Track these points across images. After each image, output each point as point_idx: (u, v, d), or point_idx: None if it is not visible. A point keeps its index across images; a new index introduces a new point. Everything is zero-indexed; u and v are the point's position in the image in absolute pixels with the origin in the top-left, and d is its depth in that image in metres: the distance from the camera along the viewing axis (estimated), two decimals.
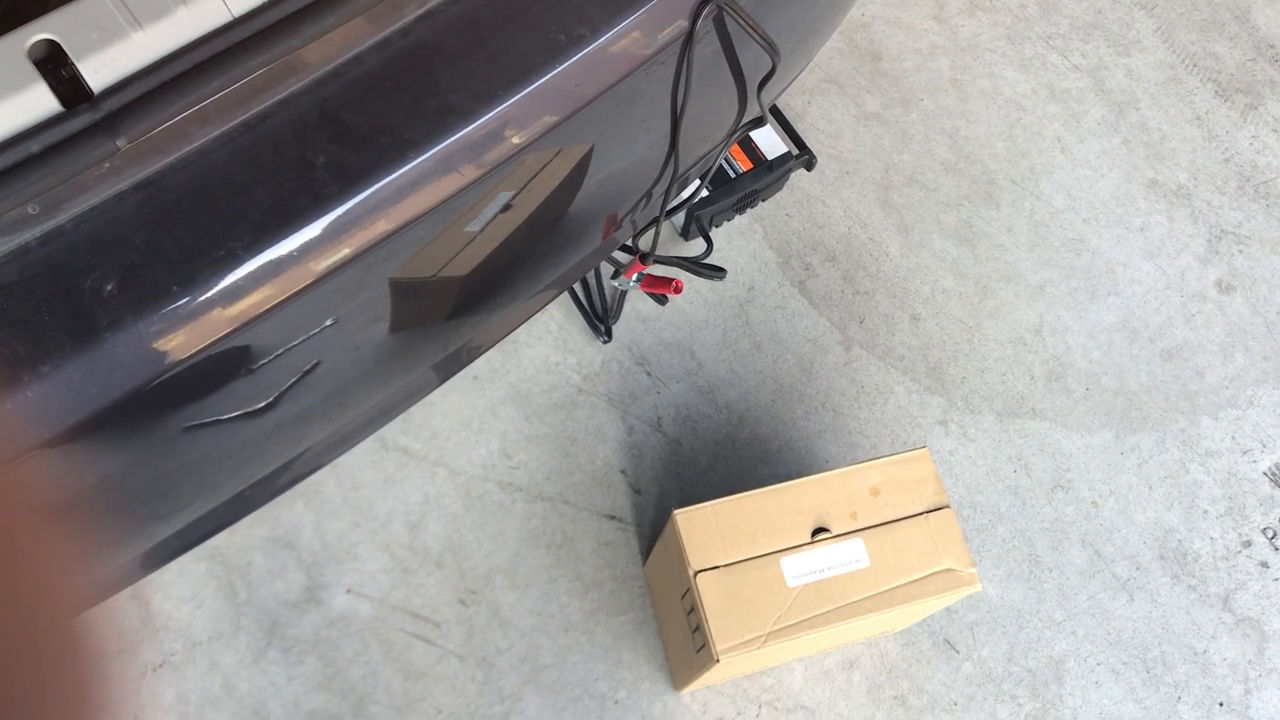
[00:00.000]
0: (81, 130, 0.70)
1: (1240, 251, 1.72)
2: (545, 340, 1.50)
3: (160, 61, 0.74)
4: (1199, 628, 1.46)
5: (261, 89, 0.78)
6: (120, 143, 0.71)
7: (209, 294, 0.76)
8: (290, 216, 0.78)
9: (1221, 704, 1.42)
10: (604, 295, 1.50)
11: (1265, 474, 1.57)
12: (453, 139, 0.84)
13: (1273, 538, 1.52)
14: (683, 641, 1.23)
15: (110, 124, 0.71)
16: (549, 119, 0.89)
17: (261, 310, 0.80)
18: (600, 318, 1.50)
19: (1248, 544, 1.52)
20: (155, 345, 0.75)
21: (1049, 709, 1.39)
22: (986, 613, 1.43)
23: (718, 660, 1.10)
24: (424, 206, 0.85)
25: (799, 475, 1.19)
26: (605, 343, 1.51)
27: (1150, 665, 1.43)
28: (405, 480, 1.40)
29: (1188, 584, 1.48)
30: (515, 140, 0.89)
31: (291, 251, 0.78)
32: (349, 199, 0.80)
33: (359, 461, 1.40)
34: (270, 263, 0.78)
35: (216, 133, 0.77)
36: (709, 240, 1.51)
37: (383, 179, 0.81)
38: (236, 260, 0.76)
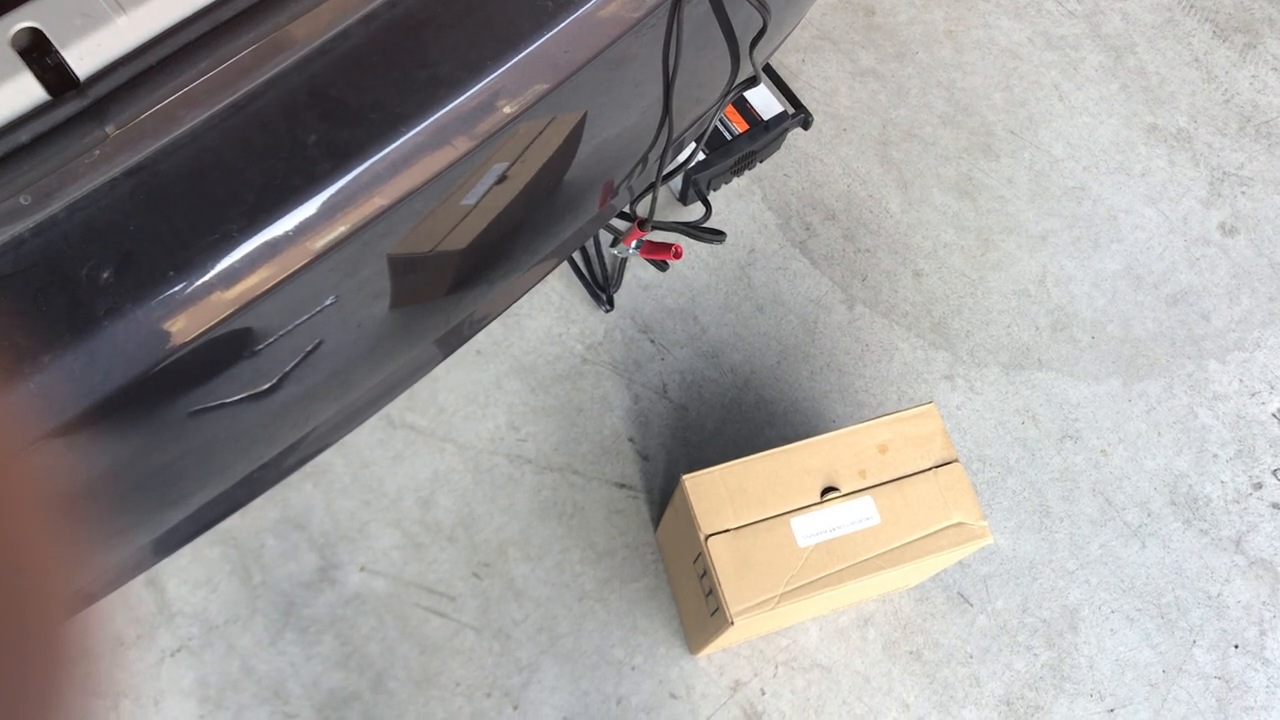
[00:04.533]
0: (70, 118, 0.69)
1: (1243, 193, 1.71)
2: (547, 311, 1.50)
3: (146, 45, 0.73)
4: (1212, 572, 1.46)
5: (249, 69, 0.77)
6: (109, 129, 0.71)
7: (206, 278, 0.76)
8: (284, 196, 0.77)
9: (1236, 646, 1.42)
10: (604, 264, 1.49)
11: (1274, 415, 1.56)
12: (444, 111, 0.83)
13: None
14: (697, 605, 1.23)
15: (98, 110, 0.70)
16: (540, 87, 0.89)
17: (260, 292, 0.79)
18: (601, 286, 1.50)
19: (1259, 486, 1.52)
20: (155, 331, 0.75)
21: (1065, 658, 1.40)
22: (999, 565, 1.43)
23: (732, 623, 1.10)
24: (418, 181, 0.85)
25: (806, 436, 1.19)
26: (607, 311, 1.50)
27: (1164, 610, 1.44)
28: (414, 457, 1.40)
29: (1199, 528, 1.48)
30: (507, 110, 0.88)
31: (287, 232, 0.78)
32: (342, 176, 0.79)
33: (366, 440, 1.40)
34: (266, 244, 0.78)
35: (206, 115, 0.76)
36: (707, 204, 1.51)
37: (375, 155, 0.80)
38: (232, 243, 0.76)
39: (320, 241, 0.81)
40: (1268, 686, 1.41)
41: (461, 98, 0.84)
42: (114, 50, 0.72)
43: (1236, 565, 1.47)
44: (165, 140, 0.75)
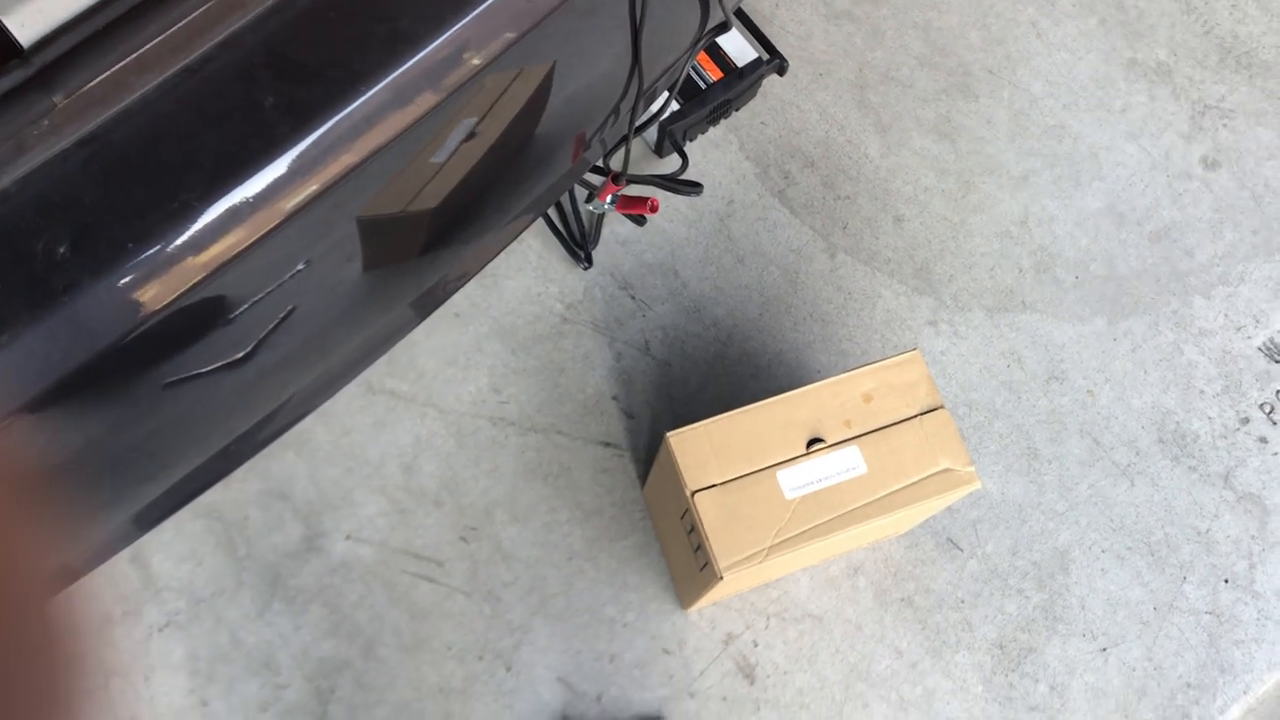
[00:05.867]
0: (14, 88, 0.67)
1: (1224, 126, 1.69)
2: (525, 271, 1.48)
3: (92, 9, 0.71)
4: (1201, 507, 1.46)
5: (201, 30, 0.75)
6: (57, 98, 0.69)
7: (167, 248, 0.73)
8: (243, 162, 0.75)
9: (1226, 580, 1.43)
10: (581, 220, 1.47)
11: (1260, 349, 1.56)
12: (406, 66, 0.81)
13: (1270, 412, 1.52)
14: (686, 561, 1.22)
15: (44, 79, 0.68)
16: (506, 36, 0.86)
17: (225, 259, 0.77)
18: (579, 244, 1.48)
19: (1245, 420, 1.51)
20: (118, 305, 0.73)
21: (1056, 599, 1.40)
22: (988, 509, 1.43)
23: (721, 577, 1.09)
24: (384, 139, 0.82)
25: (791, 388, 1.17)
26: (586, 269, 1.48)
27: (1154, 548, 1.44)
28: (395, 423, 1.39)
29: (1188, 465, 1.48)
30: (474, 62, 0.86)
31: (248, 198, 0.75)
32: (303, 139, 0.77)
33: (347, 407, 1.38)
34: (228, 211, 0.75)
35: (158, 80, 0.74)
36: (684, 155, 1.48)
37: (336, 115, 0.78)
38: (192, 211, 0.74)
39: (284, 206, 0.79)
40: (1258, 619, 1.41)
41: (424, 52, 0.82)
42: (58, 15, 0.69)
43: (1225, 500, 1.47)
44: (117, 108, 0.72)
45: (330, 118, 0.77)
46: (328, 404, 1.36)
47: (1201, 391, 1.52)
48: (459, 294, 1.45)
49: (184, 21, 0.74)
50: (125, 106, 0.72)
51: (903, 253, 1.56)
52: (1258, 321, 1.57)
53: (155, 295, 0.75)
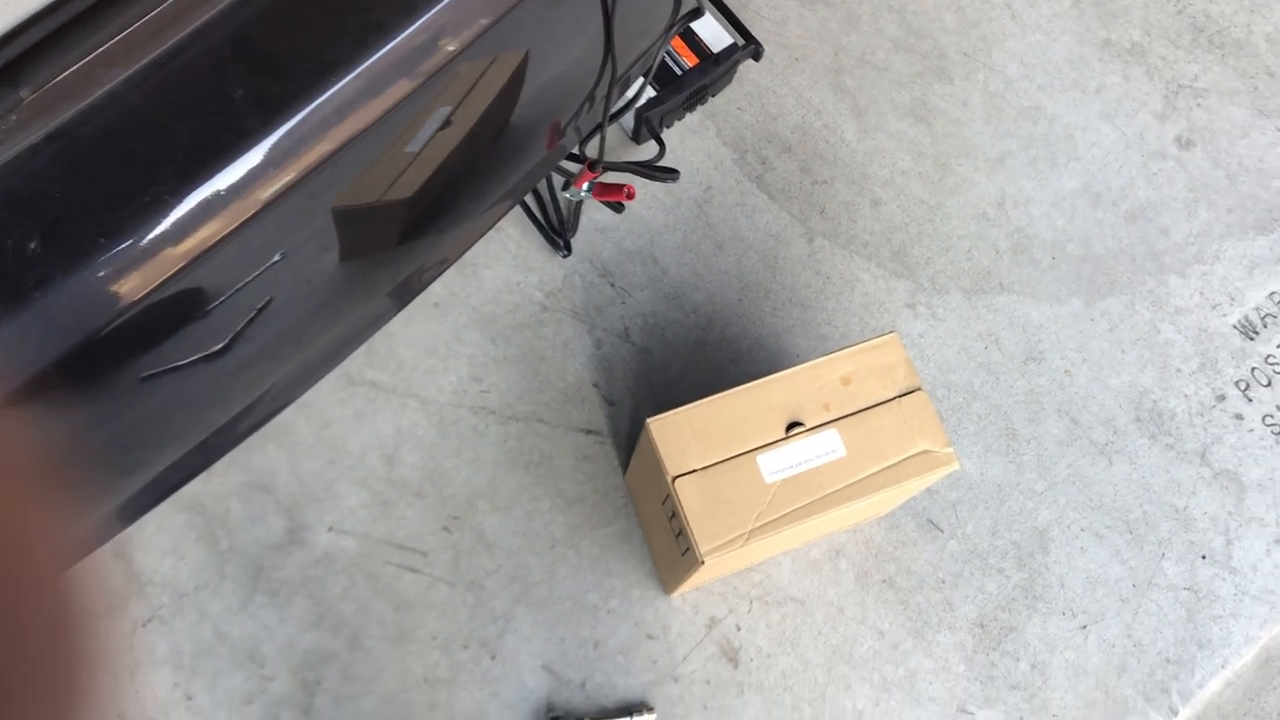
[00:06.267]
0: None
1: (1198, 105, 1.70)
2: (504, 260, 1.48)
3: (58, 2, 0.70)
4: (1178, 485, 1.48)
5: (171, 23, 0.75)
6: (24, 93, 0.68)
7: (139, 242, 0.73)
8: (214, 155, 0.75)
9: (1204, 557, 1.44)
10: (559, 209, 1.47)
11: (1235, 327, 1.57)
12: (377, 56, 0.80)
13: (1245, 389, 1.53)
14: (668, 547, 1.23)
15: (10, 74, 0.67)
16: (480, 23, 0.86)
17: (199, 253, 0.77)
18: (558, 232, 1.48)
19: (1222, 398, 1.53)
20: (90, 300, 0.73)
21: (1036, 578, 1.41)
22: (968, 490, 1.44)
23: (703, 562, 1.10)
24: (357, 129, 0.82)
25: (771, 372, 1.18)
26: (565, 257, 1.48)
27: (1133, 526, 1.45)
28: (376, 414, 1.39)
29: (1165, 443, 1.49)
30: (447, 49, 0.85)
31: (220, 191, 0.75)
32: (274, 130, 0.77)
33: (327, 399, 1.38)
34: (200, 204, 0.75)
35: (127, 73, 0.73)
36: (660, 142, 1.49)
37: (308, 106, 0.78)
38: (164, 205, 0.74)
39: (257, 198, 0.79)
40: (1235, 595, 1.43)
41: (395, 41, 0.82)
42: (23, 8, 0.69)
43: (1202, 477, 1.48)
44: (86, 103, 0.72)
45: (301, 109, 0.77)
46: (308, 396, 1.36)
47: (1178, 370, 1.54)
48: (438, 284, 1.45)
49: (153, 14, 0.73)
50: (94, 100, 0.72)
51: (880, 236, 1.56)
52: (1233, 299, 1.59)
53: (128, 290, 0.75)
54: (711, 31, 1.53)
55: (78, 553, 1.02)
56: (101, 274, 0.72)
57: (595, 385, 1.43)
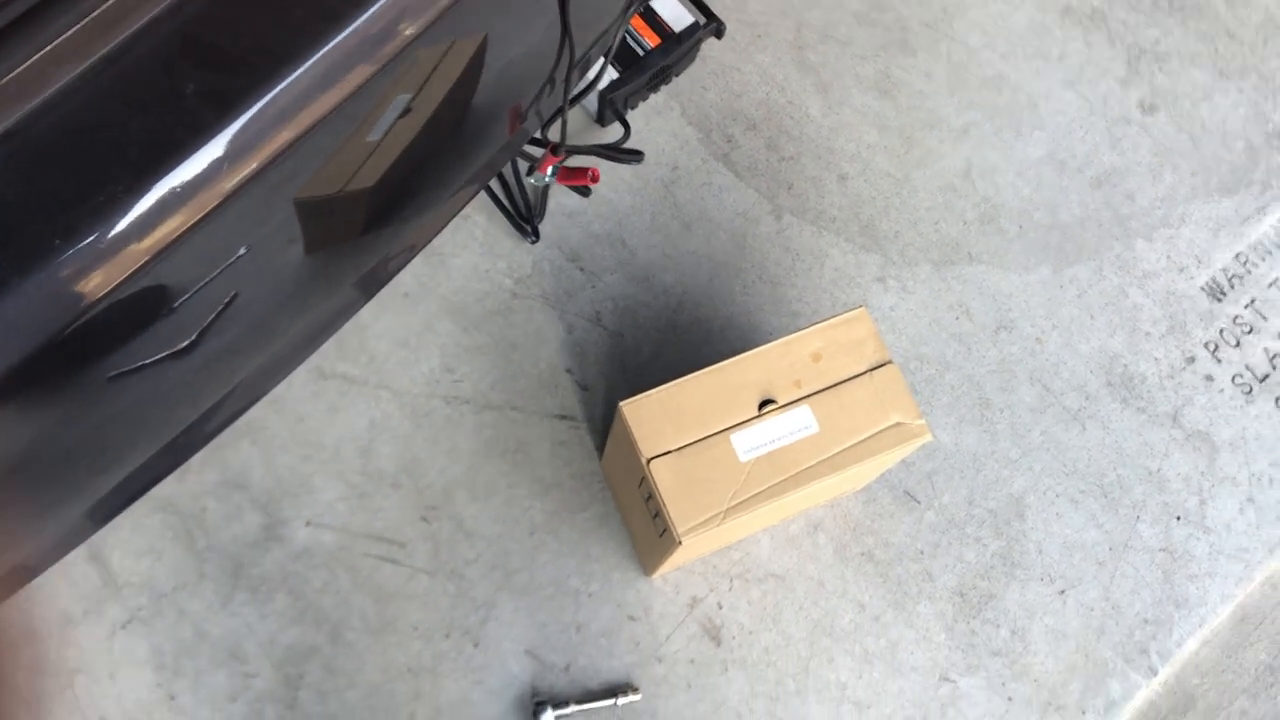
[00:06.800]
0: None
1: (1160, 69, 1.71)
2: (472, 248, 1.47)
3: (2, 2, 0.70)
4: (1151, 448, 1.49)
5: (117, 19, 0.74)
6: None
7: (96, 242, 0.73)
8: (169, 151, 0.74)
9: (1179, 518, 1.45)
10: (525, 194, 1.47)
11: (1202, 289, 1.58)
12: (329, 46, 0.80)
13: (1215, 350, 1.54)
14: (646, 528, 1.23)
15: None
16: (439, 5, 0.85)
17: (157, 251, 0.76)
18: (525, 218, 1.47)
19: (1191, 360, 1.54)
20: (48, 302, 0.72)
21: (1013, 545, 1.42)
22: (943, 461, 1.45)
23: (680, 542, 1.10)
24: (313, 120, 0.82)
25: (742, 351, 1.18)
26: (533, 243, 1.48)
27: (1107, 490, 1.46)
28: (349, 407, 1.38)
29: (1137, 407, 1.50)
30: (406, 33, 0.85)
31: (176, 188, 0.75)
32: (228, 125, 0.76)
33: (299, 394, 1.37)
34: (157, 202, 0.74)
35: (76, 72, 0.72)
36: (625, 124, 1.48)
37: (261, 99, 0.77)
38: (119, 204, 0.73)
39: (216, 193, 0.78)
40: (1209, 554, 1.44)
41: (348, 30, 0.81)
42: None
43: (1174, 439, 1.49)
44: (35, 102, 0.71)
45: (255, 102, 0.76)
46: (280, 392, 1.36)
47: (1147, 334, 1.55)
48: (407, 274, 1.44)
49: (99, 10, 0.72)
50: (44, 100, 0.71)
51: (848, 211, 1.56)
52: (1200, 262, 1.60)
53: (88, 291, 0.74)
54: (672, 10, 1.53)
55: (50, 557, 1.02)
56: (59, 275, 0.71)
57: (568, 371, 1.43)
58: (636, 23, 1.51)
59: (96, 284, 0.74)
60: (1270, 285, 1.59)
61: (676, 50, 1.51)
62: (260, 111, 0.77)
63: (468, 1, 0.88)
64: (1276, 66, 1.73)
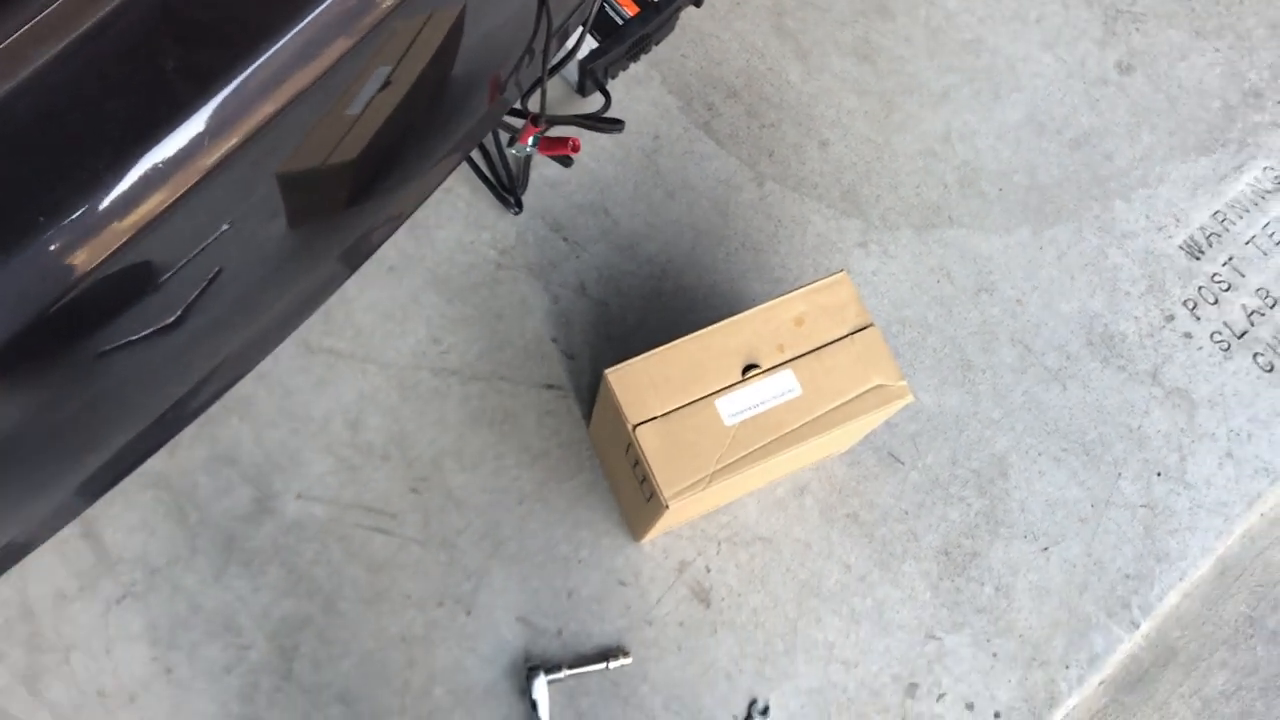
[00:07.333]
0: None
1: (1137, 30, 1.72)
2: (456, 220, 1.48)
3: None
4: (1132, 405, 1.51)
5: None
6: None
7: (80, 220, 0.73)
8: (150, 128, 0.75)
9: (1159, 474, 1.47)
10: (508, 165, 1.47)
11: (1181, 247, 1.60)
12: (309, 19, 0.80)
13: (1193, 308, 1.56)
14: (633, 494, 1.25)
15: None
16: None
17: (141, 227, 0.77)
18: (508, 189, 1.48)
19: (1170, 318, 1.56)
20: (34, 281, 0.73)
21: (997, 504, 1.44)
22: (926, 422, 1.46)
23: (667, 506, 1.12)
24: (293, 94, 0.82)
25: (726, 317, 1.19)
26: (517, 214, 1.48)
27: (1089, 448, 1.48)
28: (337, 380, 1.39)
29: (1117, 365, 1.52)
30: (384, 4, 0.85)
31: (158, 164, 0.75)
32: (209, 101, 0.76)
33: (287, 368, 1.38)
34: (139, 179, 0.75)
35: (56, 50, 0.73)
36: (606, 94, 1.49)
37: (241, 74, 0.77)
38: (102, 181, 0.74)
39: (198, 169, 0.79)
40: (1190, 509, 1.46)
41: (327, 2, 0.81)
42: None
43: (1154, 397, 1.51)
44: (15, 81, 0.71)
45: (235, 77, 0.77)
46: (268, 366, 1.37)
47: (1127, 293, 1.56)
48: (391, 247, 1.45)
49: None
50: (24, 79, 0.72)
51: (829, 177, 1.57)
52: (1178, 221, 1.61)
53: (72, 267, 0.74)
54: None
55: (42, 534, 1.02)
56: (44, 252, 0.72)
57: (554, 340, 1.44)
58: None
59: (81, 261, 0.74)
60: (1248, 243, 1.60)
61: (655, 19, 1.51)
62: (241, 86, 0.78)
63: None
64: (1253, 25, 1.74)
